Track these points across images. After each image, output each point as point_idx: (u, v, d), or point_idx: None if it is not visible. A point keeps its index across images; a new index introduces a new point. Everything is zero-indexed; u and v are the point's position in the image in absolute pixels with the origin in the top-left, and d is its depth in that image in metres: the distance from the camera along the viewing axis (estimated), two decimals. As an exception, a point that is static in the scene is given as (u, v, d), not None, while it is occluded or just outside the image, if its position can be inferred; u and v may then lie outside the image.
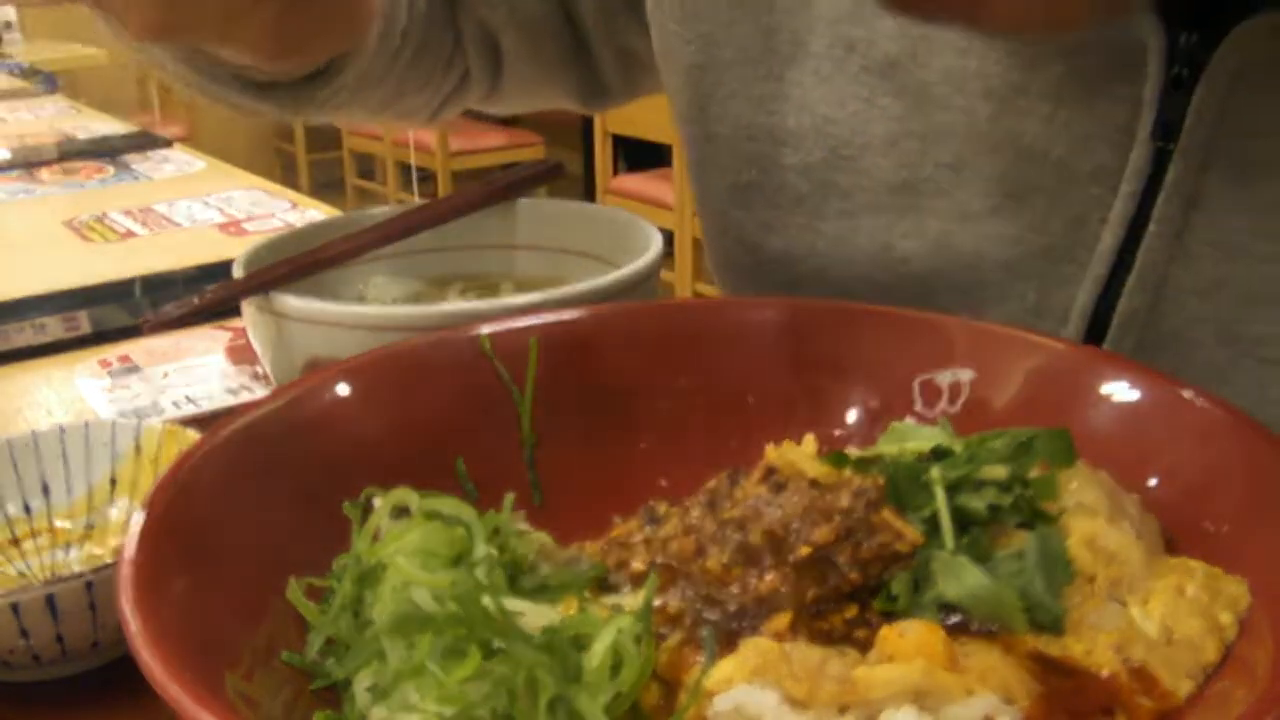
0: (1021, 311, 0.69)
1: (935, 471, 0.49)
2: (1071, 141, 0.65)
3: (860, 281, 0.74)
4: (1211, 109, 0.61)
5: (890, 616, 0.46)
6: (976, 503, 0.49)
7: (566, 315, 0.66)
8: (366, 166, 6.13)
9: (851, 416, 0.64)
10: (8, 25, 5.42)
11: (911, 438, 0.53)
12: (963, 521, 0.48)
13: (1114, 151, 0.64)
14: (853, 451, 0.53)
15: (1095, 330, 0.67)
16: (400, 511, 0.52)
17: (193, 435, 0.73)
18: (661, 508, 0.53)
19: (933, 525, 0.48)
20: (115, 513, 0.74)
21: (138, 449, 0.75)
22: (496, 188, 0.91)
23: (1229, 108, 0.61)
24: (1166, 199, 0.62)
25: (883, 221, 0.72)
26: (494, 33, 0.90)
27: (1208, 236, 0.63)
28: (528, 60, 0.91)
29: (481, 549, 0.49)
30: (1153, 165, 0.63)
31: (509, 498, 0.56)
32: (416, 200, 0.91)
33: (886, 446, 0.53)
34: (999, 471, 0.49)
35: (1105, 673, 0.44)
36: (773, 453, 0.55)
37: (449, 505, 0.51)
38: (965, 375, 0.62)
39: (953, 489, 0.49)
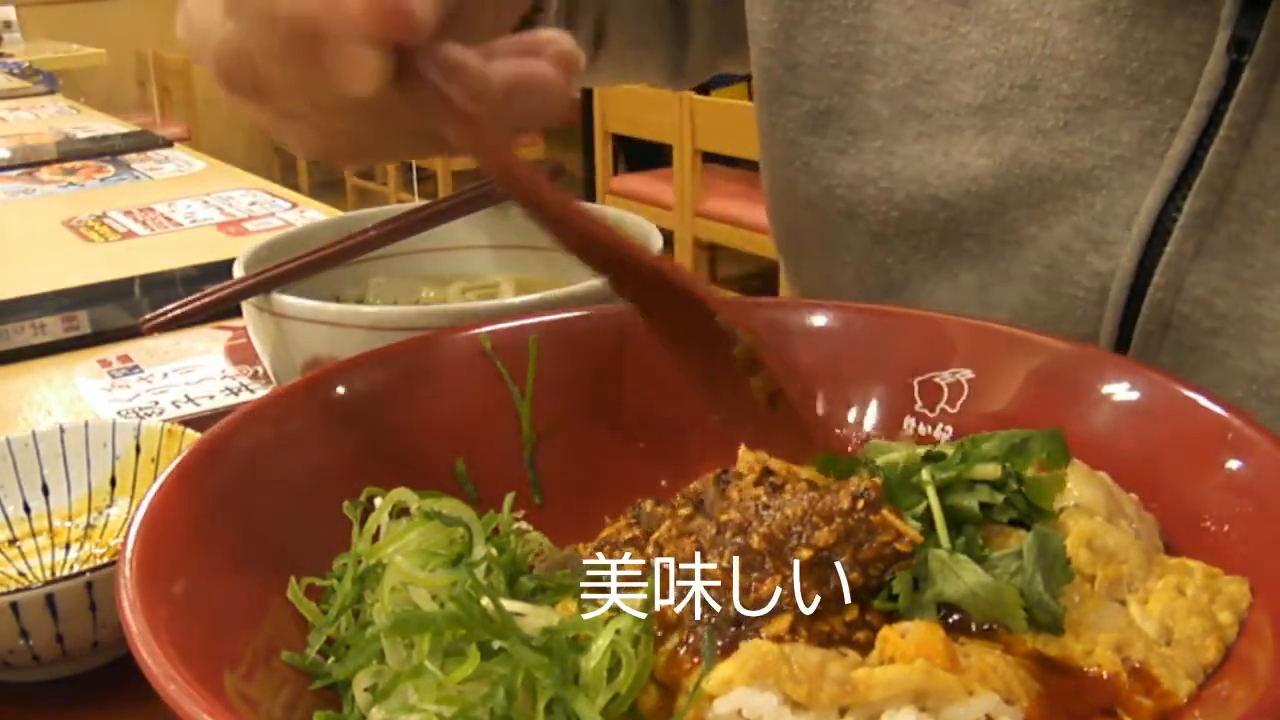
0: (1089, 220, 0.71)
1: (926, 473, 0.49)
2: (1147, 57, 0.68)
3: (929, 201, 0.77)
4: None
5: (891, 616, 0.46)
6: (969, 501, 0.49)
7: (566, 315, 0.66)
8: (367, 166, 6.12)
9: (851, 416, 0.64)
10: (8, 25, 5.42)
11: (887, 453, 0.53)
12: (957, 521, 0.48)
13: (1189, 65, 0.67)
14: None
15: (1158, 234, 0.69)
16: (400, 512, 0.52)
17: (193, 435, 0.73)
18: (648, 506, 0.53)
19: (927, 525, 0.48)
20: (115, 513, 0.74)
21: (138, 449, 0.75)
22: (495, 188, 0.91)
23: None
24: (1238, 106, 0.65)
25: (958, 142, 0.75)
26: (600, 16, 0.94)
27: (1274, 142, 0.66)
28: (628, 41, 0.96)
29: (481, 549, 0.49)
30: (1225, 78, 0.66)
31: (509, 498, 0.56)
32: (416, 200, 0.91)
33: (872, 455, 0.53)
34: (991, 470, 0.49)
35: (1105, 673, 0.44)
36: (749, 455, 0.55)
37: (449, 505, 0.51)
38: (965, 375, 0.62)
39: (945, 489, 0.49)
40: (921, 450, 0.52)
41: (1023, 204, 0.74)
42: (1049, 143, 0.72)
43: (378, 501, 0.53)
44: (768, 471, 0.51)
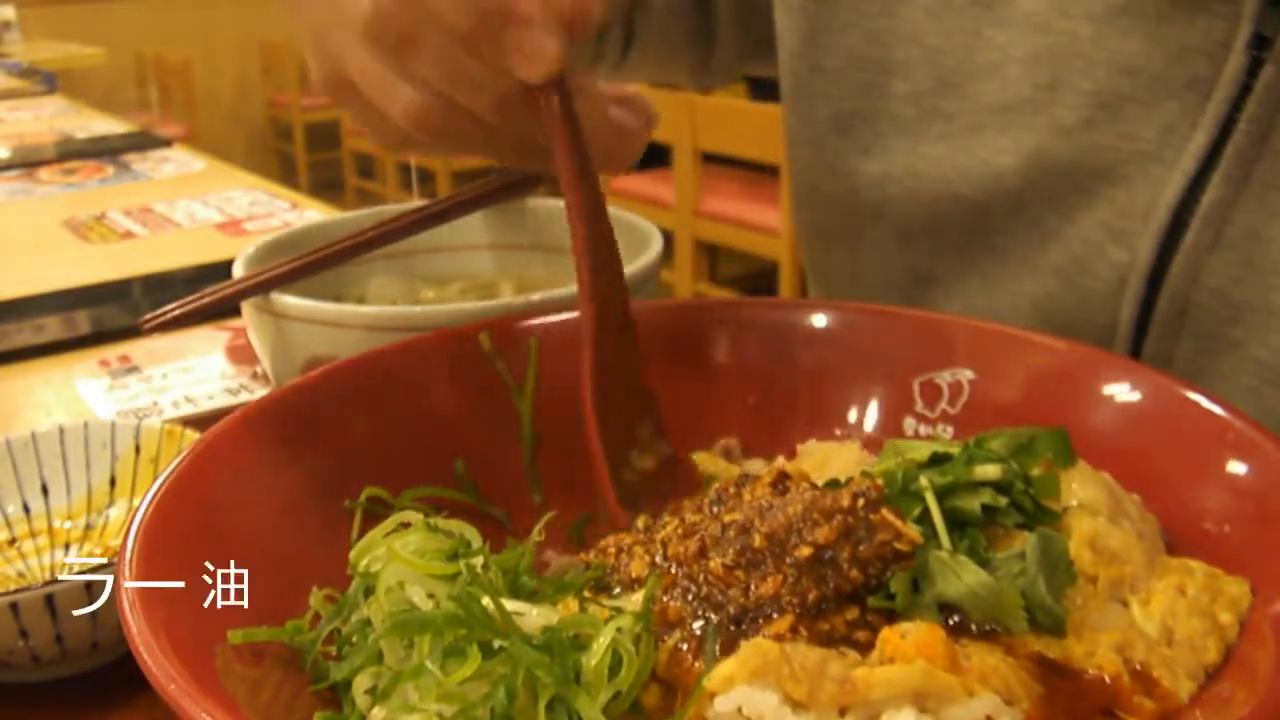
0: (1110, 213, 0.72)
1: (924, 479, 0.49)
2: (1169, 56, 0.69)
3: (953, 199, 0.77)
4: None
5: (889, 615, 0.46)
6: (970, 504, 0.49)
7: (566, 315, 0.66)
8: (366, 166, 6.13)
9: (851, 416, 0.64)
10: (7, 25, 5.42)
11: (909, 451, 0.53)
12: (959, 523, 0.48)
13: (1210, 63, 0.68)
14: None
15: (1176, 226, 0.70)
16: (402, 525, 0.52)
17: (192, 435, 0.73)
18: (640, 521, 0.54)
19: (930, 527, 0.48)
20: (115, 513, 0.74)
21: (137, 449, 0.75)
22: (495, 188, 0.91)
23: None
24: (1256, 100, 0.66)
25: (982, 140, 0.76)
26: (629, 14, 0.96)
27: None
28: (656, 41, 0.98)
29: (479, 555, 0.49)
30: (1245, 74, 0.67)
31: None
32: (416, 200, 0.91)
33: (885, 462, 0.53)
34: (991, 471, 0.49)
35: (1106, 674, 0.44)
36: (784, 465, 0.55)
37: (453, 525, 0.51)
38: (965, 375, 0.62)
39: (946, 492, 0.49)
40: (928, 450, 0.52)
41: (1045, 199, 0.74)
42: (1071, 139, 0.72)
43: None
44: (783, 475, 0.51)
